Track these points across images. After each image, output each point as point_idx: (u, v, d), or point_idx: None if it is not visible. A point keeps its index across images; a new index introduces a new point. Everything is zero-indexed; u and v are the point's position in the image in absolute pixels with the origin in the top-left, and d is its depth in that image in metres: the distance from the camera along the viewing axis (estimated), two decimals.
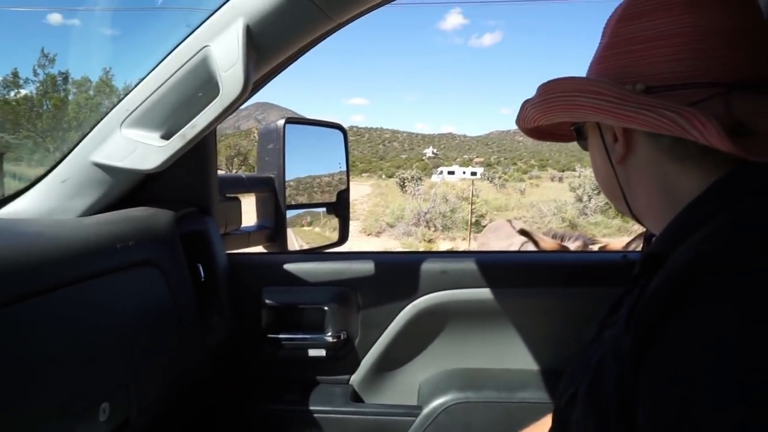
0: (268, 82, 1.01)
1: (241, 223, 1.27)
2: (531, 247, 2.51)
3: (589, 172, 18.53)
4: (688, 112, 0.52)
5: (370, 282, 1.19)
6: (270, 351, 1.18)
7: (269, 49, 0.84)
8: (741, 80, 0.58)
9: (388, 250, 12.41)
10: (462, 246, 13.20)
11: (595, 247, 2.48)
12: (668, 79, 0.59)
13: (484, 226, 16.72)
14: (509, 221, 2.62)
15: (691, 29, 0.59)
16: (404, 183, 27.12)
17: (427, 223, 15.80)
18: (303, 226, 1.73)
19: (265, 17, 0.80)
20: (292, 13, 0.81)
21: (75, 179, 0.91)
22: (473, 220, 15.74)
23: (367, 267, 1.19)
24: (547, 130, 0.85)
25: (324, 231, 1.78)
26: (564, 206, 18.13)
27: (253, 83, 0.84)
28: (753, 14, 0.61)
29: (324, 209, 1.54)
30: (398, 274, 1.20)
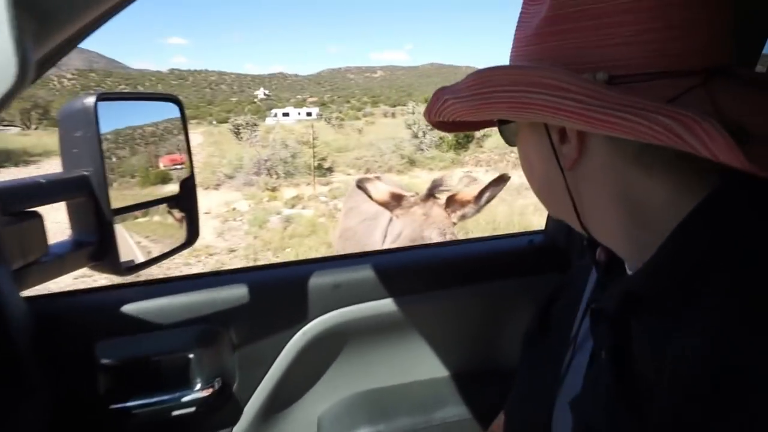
0: (70, 51, 0.68)
1: (47, 246, 0.92)
2: (386, 218, 2.38)
3: (422, 108, 19.29)
4: (687, 117, 0.39)
5: (244, 312, 0.95)
6: (118, 427, 0.90)
7: (56, 11, 0.53)
8: (718, 67, 0.46)
9: (231, 205, 11.72)
10: (308, 191, 13.01)
11: (443, 197, 2.34)
12: (637, 66, 0.45)
13: (327, 169, 16.73)
14: (375, 178, 2.44)
15: (658, 1, 0.45)
16: (239, 130, 25.64)
17: (269, 171, 15.22)
18: (136, 218, 1.39)
19: None
20: None
21: None
22: (315, 163, 15.55)
23: (239, 293, 0.95)
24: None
25: (166, 222, 1.46)
26: (401, 143, 18.78)
27: (35, 63, 0.53)
28: None
29: (164, 204, 1.22)
30: (280, 296, 0.98)
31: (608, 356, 0.50)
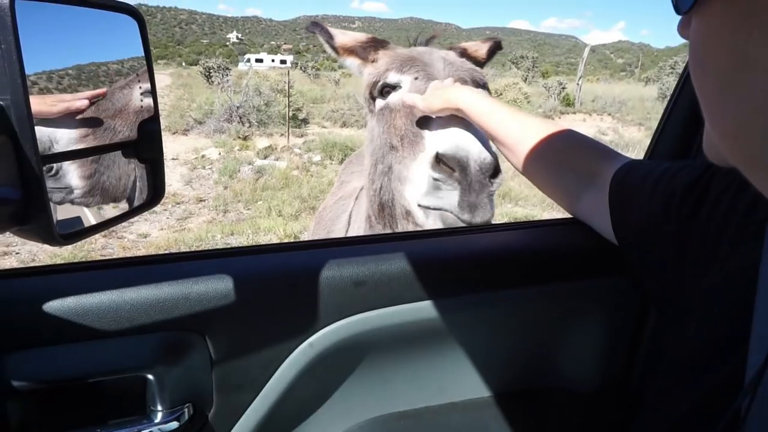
0: None
1: None
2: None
3: None
4: None
5: (229, 314, 0.69)
6: None
7: None
8: None
9: (201, 152, 11.21)
10: (281, 142, 12.55)
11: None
12: None
13: (302, 120, 16.16)
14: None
15: None
16: (210, 73, 24.50)
17: (241, 118, 14.59)
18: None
19: None
20: None
21: None
22: (290, 114, 14.99)
23: (222, 287, 0.68)
24: None
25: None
26: None
27: None
28: None
29: (116, 152, 0.94)
30: (281, 293, 0.71)
31: None
